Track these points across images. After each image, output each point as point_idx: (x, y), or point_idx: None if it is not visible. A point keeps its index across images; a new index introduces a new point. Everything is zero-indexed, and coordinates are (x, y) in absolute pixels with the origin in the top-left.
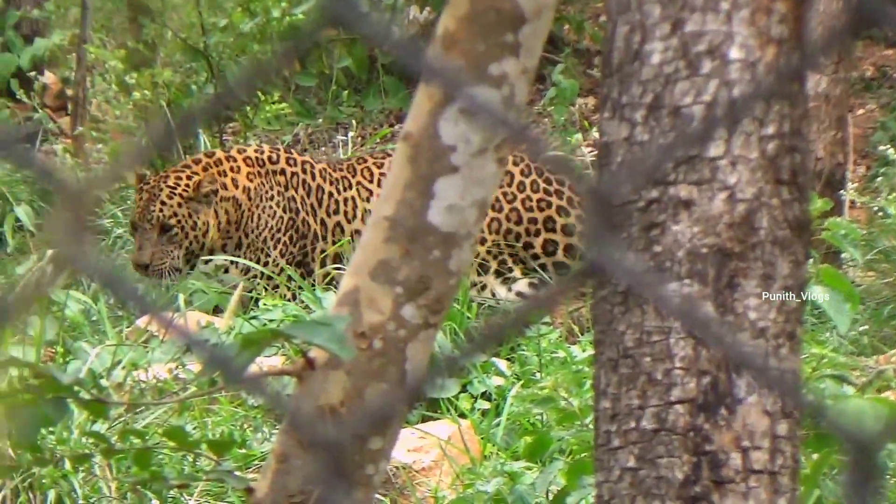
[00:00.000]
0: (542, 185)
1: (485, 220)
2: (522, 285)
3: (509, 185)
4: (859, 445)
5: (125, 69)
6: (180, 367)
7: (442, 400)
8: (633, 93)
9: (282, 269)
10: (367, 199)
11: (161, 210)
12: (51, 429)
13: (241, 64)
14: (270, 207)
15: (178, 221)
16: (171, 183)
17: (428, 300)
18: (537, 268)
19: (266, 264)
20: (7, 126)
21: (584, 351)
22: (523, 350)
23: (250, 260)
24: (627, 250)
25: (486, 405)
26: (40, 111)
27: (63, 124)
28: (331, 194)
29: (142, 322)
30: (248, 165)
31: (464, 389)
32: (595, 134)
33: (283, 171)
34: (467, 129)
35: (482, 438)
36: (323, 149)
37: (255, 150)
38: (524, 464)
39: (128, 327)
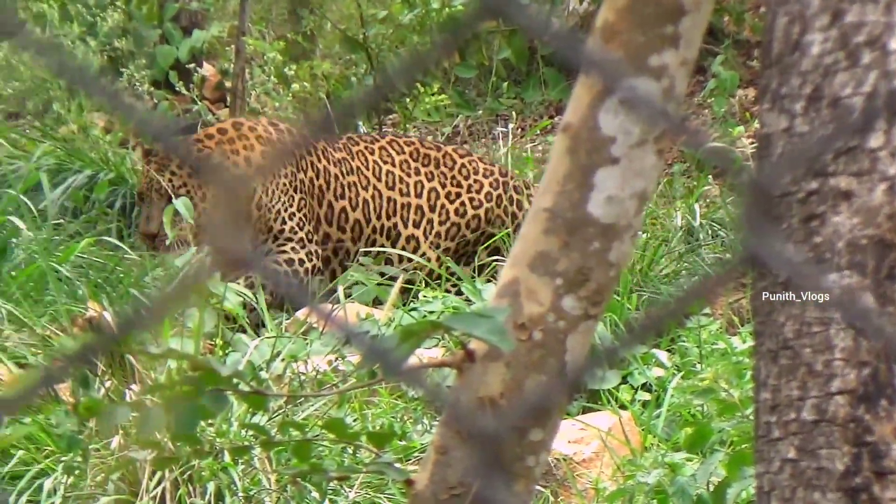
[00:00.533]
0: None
1: (644, 212)
2: None
3: (478, 192)
4: None
5: (284, 61)
6: (340, 358)
7: (602, 391)
8: (793, 84)
9: (441, 261)
10: (366, 187)
11: (171, 180)
12: (210, 421)
13: (401, 55)
14: (283, 185)
15: (188, 192)
16: None
17: (588, 291)
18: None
19: (281, 232)
20: (166, 118)
21: (744, 342)
22: (683, 341)
23: (261, 231)
24: (787, 241)
25: (646, 396)
26: (199, 103)
27: (222, 116)
28: (336, 177)
29: (301, 314)
30: (261, 144)
31: (624, 381)
32: (755, 125)
33: (292, 153)
34: (627, 121)
35: (643, 430)
36: (483, 140)
37: (265, 130)
38: (685, 455)
39: (287, 319)
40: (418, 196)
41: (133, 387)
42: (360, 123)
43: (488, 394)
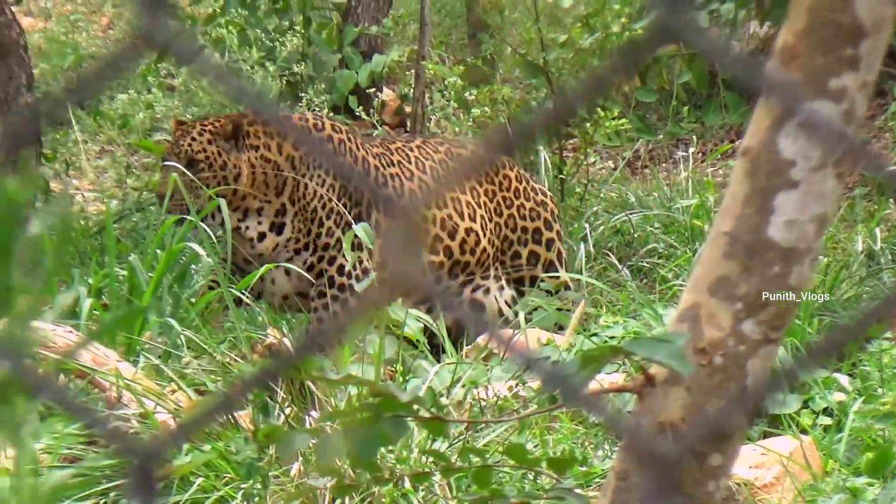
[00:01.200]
0: (533, 194)
1: (824, 236)
2: (508, 295)
3: (507, 190)
4: None
5: (464, 85)
6: (521, 384)
7: (783, 416)
8: None
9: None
10: (410, 178)
11: (190, 145)
12: (390, 447)
13: (580, 78)
14: (319, 175)
15: (207, 157)
16: (204, 123)
17: (768, 316)
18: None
19: (319, 234)
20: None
21: None
22: (865, 365)
23: (299, 230)
24: None
25: (827, 421)
26: (379, 128)
27: None
28: (377, 167)
29: (482, 339)
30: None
31: (805, 405)
32: None
33: (330, 138)
34: (807, 144)
35: (824, 454)
36: (663, 164)
37: (300, 118)
38: (866, 479)
39: (467, 345)
40: (463, 193)
41: (313, 413)
42: (542, 148)
43: (669, 418)
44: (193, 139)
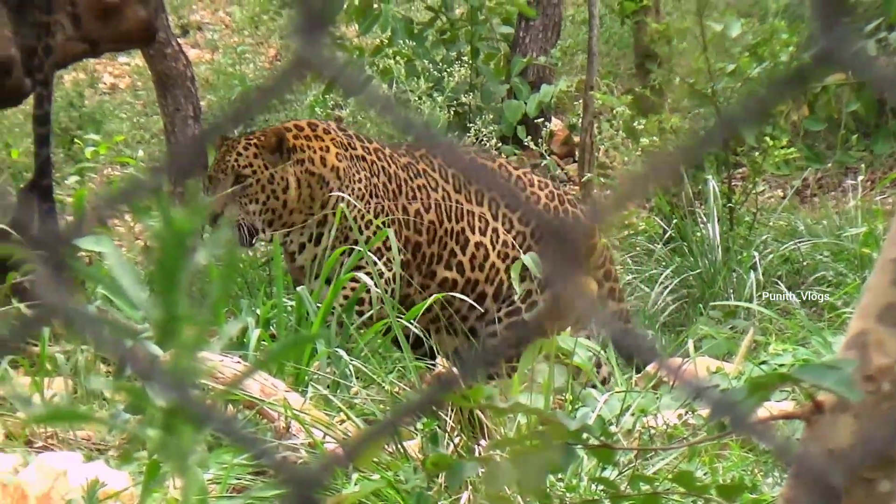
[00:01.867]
0: (549, 199)
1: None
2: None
3: (535, 204)
4: None
5: (632, 115)
6: (690, 412)
7: None
8: None
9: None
10: (436, 189)
11: (236, 160)
12: (559, 475)
13: (744, 104)
14: (359, 189)
15: (254, 172)
16: (249, 137)
17: None
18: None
19: (356, 242)
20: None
21: None
22: None
23: (336, 237)
24: None
25: None
26: (547, 158)
27: (570, 171)
28: (406, 180)
29: (651, 368)
30: (336, 147)
31: None
32: None
33: (363, 158)
34: None
35: None
36: (832, 193)
37: (336, 134)
38: None
39: (637, 374)
40: (479, 204)
41: (482, 442)
42: (710, 177)
43: (837, 445)
44: (239, 154)
